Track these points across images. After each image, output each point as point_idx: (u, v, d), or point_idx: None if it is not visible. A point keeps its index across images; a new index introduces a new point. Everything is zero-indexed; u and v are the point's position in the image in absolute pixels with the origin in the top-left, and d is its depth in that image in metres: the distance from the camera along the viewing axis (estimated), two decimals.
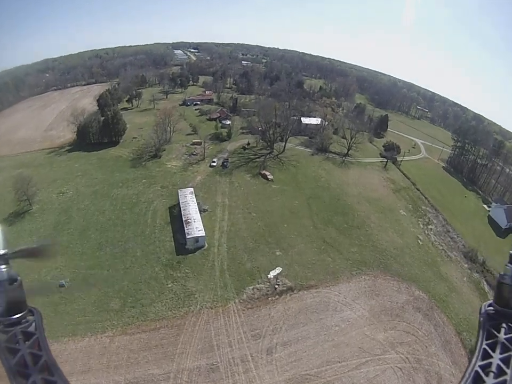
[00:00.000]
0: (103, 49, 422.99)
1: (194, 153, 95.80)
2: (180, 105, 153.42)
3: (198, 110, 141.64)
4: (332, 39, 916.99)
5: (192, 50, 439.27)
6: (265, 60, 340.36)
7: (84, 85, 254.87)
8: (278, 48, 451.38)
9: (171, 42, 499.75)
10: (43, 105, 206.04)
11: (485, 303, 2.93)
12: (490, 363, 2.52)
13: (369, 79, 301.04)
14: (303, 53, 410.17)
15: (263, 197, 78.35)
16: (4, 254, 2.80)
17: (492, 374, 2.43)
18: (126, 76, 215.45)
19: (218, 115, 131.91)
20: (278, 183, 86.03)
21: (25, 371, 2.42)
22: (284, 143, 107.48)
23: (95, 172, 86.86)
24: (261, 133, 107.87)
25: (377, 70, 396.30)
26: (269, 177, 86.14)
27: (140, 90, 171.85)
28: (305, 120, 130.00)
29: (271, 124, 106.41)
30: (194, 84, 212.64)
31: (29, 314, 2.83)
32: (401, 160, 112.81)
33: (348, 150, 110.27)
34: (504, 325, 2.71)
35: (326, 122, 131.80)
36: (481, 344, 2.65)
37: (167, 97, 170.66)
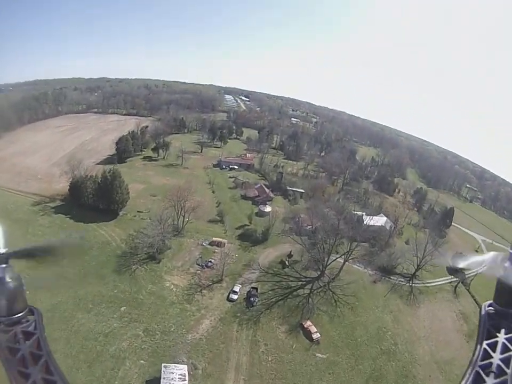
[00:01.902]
0: (156, 80, 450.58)
1: (209, 263, 70.69)
2: (214, 165, 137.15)
3: (233, 179, 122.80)
4: (383, 105, 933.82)
5: (243, 98, 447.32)
6: (315, 120, 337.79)
7: (124, 114, 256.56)
8: (327, 108, 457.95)
9: (224, 86, 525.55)
10: (71, 129, 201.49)
11: (485, 303, 3.27)
12: (491, 363, 2.75)
13: (419, 150, 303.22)
14: (353, 115, 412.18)
15: (301, 380, 52.33)
16: (4, 254, 3.10)
17: (492, 374, 2.66)
18: (167, 116, 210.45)
19: (256, 194, 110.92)
20: (327, 347, 58.30)
21: (26, 371, 2.62)
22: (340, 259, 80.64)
23: (67, 265, 65.31)
24: (309, 237, 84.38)
25: (425, 139, 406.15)
26: (313, 335, 58.91)
27: (175, 135, 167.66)
28: (367, 219, 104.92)
29: (326, 233, 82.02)
30: (238, 137, 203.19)
31: (29, 314, 3.13)
32: (471, 279, 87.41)
33: (417, 270, 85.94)
34: (504, 325, 2.99)
35: (394, 226, 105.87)
36: (482, 344, 2.92)
37: (201, 151, 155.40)
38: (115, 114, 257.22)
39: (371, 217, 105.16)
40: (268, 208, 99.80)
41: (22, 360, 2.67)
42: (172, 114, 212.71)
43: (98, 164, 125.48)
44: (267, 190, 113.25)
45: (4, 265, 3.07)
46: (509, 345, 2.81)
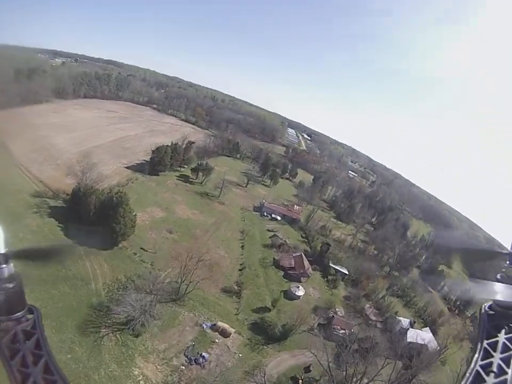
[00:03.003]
0: (224, 94, 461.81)
1: (202, 358, 52.90)
2: (255, 208, 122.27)
3: (272, 235, 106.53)
4: (445, 178, 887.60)
5: (305, 136, 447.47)
6: (372, 178, 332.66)
7: (181, 119, 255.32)
8: (385, 167, 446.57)
9: (289, 117, 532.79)
10: (120, 118, 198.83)
11: (485, 304, 3.38)
12: (491, 362, 2.92)
13: (469, 234, 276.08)
14: (409, 181, 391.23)
15: None
16: (4, 254, 3.16)
17: (492, 374, 2.81)
18: (223, 134, 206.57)
19: (292, 265, 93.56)
20: None
21: (26, 370, 2.77)
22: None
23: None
24: (338, 346, 66.42)
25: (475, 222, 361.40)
26: None
27: (224, 158, 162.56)
28: (412, 334, 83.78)
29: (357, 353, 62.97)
30: (290, 178, 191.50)
31: (28, 313, 3.25)
32: None
33: None
34: (504, 325, 3.15)
35: (439, 347, 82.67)
36: (482, 344, 3.09)
37: (246, 186, 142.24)
38: (173, 116, 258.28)
39: (416, 332, 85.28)
40: (300, 292, 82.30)
41: (22, 360, 2.77)
42: (229, 135, 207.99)
43: (127, 167, 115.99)
44: (306, 263, 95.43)
45: (4, 265, 3.09)
46: (509, 344, 2.97)
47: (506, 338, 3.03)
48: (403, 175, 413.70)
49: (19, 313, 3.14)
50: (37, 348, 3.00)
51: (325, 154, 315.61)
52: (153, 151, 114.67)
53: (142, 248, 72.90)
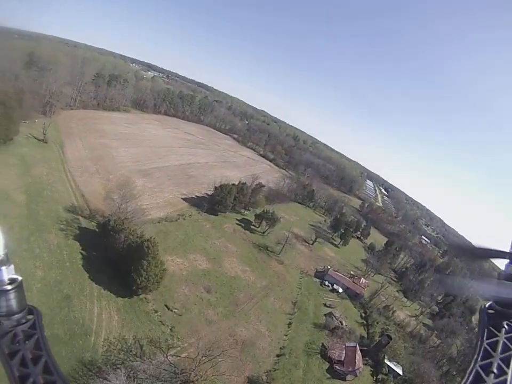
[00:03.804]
0: (307, 134, 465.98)
1: None
2: (316, 273, 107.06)
3: (328, 312, 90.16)
4: None
5: (382, 190, 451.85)
6: (445, 246, 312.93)
7: (259, 154, 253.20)
8: (458, 233, 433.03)
9: (368, 168, 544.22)
10: (195, 143, 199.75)
11: (485, 303, 3.47)
12: (491, 362, 3.02)
13: None
14: None
15: None
16: (4, 255, 3.24)
17: (492, 374, 2.92)
18: (299, 178, 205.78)
19: (342, 358, 75.81)
20: None
21: (25, 371, 2.86)
22: None
23: None
24: None
25: None
26: None
27: (296, 205, 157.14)
28: None
29: None
30: (361, 238, 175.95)
31: (28, 313, 3.31)
32: None
33: None
34: (504, 324, 3.25)
35: None
36: (482, 343, 3.18)
37: (313, 243, 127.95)
38: (251, 150, 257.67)
39: None
40: None
41: (22, 361, 2.86)
42: (305, 179, 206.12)
43: (184, 198, 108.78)
44: (358, 357, 76.95)
45: (4, 267, 3.21)
46: (509, 344, 3.05)
47: (506, 338, 3.10)
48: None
49: (19, 314, 3.18)
50: (36, 348, 3.03)
51: (400, 214, 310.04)
52: (216, 188, 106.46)
53: (166, 306, 61.56)
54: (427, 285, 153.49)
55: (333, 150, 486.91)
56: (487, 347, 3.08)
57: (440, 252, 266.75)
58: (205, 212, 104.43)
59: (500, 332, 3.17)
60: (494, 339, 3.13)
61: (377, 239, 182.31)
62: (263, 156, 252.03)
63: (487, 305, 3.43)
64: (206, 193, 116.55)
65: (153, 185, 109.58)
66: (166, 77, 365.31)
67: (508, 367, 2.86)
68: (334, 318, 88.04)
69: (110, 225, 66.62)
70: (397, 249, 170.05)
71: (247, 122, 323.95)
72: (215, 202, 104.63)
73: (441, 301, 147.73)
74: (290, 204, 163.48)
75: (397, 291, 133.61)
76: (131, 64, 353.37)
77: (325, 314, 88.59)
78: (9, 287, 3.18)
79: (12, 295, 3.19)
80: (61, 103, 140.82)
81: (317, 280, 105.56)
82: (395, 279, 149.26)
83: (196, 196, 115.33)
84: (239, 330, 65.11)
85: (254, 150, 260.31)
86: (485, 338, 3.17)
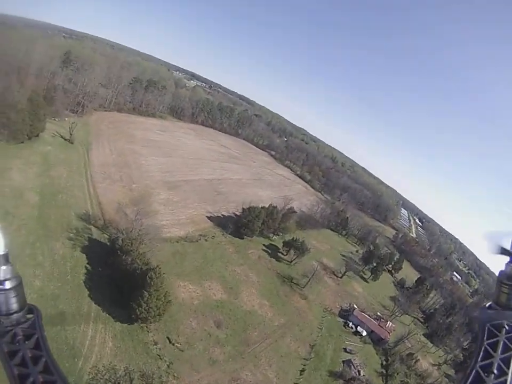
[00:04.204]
0: (345, 156, 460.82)
1: None
2: (341, 312, 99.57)
3: (347, 358, 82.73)
4: None
5: (417, 220, 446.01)
6: (475, 284, 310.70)
7: (296, 174, 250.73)
8: (489, 269, 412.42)
9: (403, 195, 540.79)
10: (229, 157, 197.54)
11: (485, 303, 3.59)
12: (491, 363, 3.10)
13: None
14: None
15: None
16: (3, 254, 3.30)
17: (492, 374, 3.01)
18: (333, 203, 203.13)
19: None
20: None
21: (25, 371, 2.91)
22: None
23: None
24: None
25: None
26: None
27: (328, 232, 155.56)
28: None
29: None
30: (393, 271, 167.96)
31: (28, 313, 3.37)
32: None
33: None
34: (504, 324, 3.33)
35: None
36: (482, 344, 3.26)
37: (341, 277, 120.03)
38: (288, 168, 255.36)
39: None
40: None
41: (22, 360, 2.90)
42: (340, 205, 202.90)
43: (209, 217, 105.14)
44: None
45: (3, 266, 3.27)
46: (509, 344, 3.12)
47: (506, 338, 3.16)
48: None
49: (18, 313, 3.24)
50: (36, 347, 3.09)
51: (433, 247, 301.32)
52: (243, 210, 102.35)
53: (168, 338, 56.81)
54: (455, 329, 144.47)
55: (370, 174, 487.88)
56: (487, 347, 3.11)
57: (470, 290, 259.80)
58: (229, 234, 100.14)
59: (500, 332, 3.19)
60: (494, 339, 3.15)
61: (409, 273, 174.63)
62: (300, 176, 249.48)
63: (487, 305, 3.48)
64: (234, 213, 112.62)
65: (178, 199, 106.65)
66: (209, 87, 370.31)
67: (508, 367, 2.92)
68: (352, 366, 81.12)
69: (118, 244, 63.27)
70: (428, 287, 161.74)
71: (285, 139, 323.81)
72: (241, 224, 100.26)
73: (466, 347, 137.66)
74: (322, 230, 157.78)
75: (423, 334, 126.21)
76: (175, 72, 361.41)
77: (343, 361, 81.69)
78: (8, 286, 3.20)
79: (11, 294, 3.20)
80: (94, 104, 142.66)
81: (341, 320, 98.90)
82: (422, 320, 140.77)
83: (223, 215, 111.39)
84: (244, 374, 59.38)
85: (290, 169, 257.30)
86: (485, 338, 3.20)
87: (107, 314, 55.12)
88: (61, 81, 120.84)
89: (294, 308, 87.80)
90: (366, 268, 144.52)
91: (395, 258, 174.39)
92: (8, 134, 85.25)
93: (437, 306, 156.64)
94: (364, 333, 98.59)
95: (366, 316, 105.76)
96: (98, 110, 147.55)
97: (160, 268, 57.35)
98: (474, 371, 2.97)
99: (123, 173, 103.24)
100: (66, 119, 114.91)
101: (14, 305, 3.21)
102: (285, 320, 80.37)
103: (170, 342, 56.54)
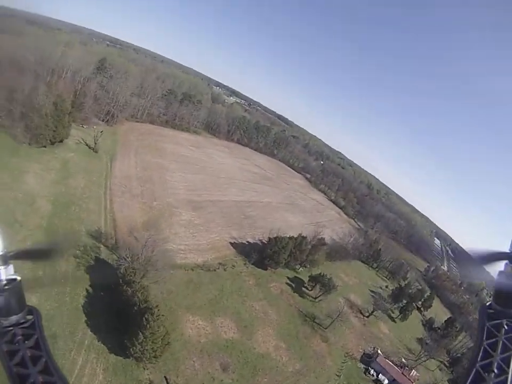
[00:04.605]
0: (382, 183, 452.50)
1: None
2: (363, 357, 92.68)
3: None
4: None
5: (449, 251, 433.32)
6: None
7: (330, 199, 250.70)
8: None
9: (436, 223, 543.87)
10: (261, 178, 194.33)
11: (484, 303, 3.75)
12: (491, 362, 3.22)
13: None
14: None
15: None
16: (3, 255, 3.49)
17: (492, 373, 3.13)
18: (367, 232, 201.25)
19: None
20: None
21: (25, 371, 2.98)
22: None
23: None
24: None
25: None
26: None
27: (359, 264, 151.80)
28: None
29: None
30: (422, 309, 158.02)
31: (28, 314, 3.56)
32: None
33: None
34: (504, 324, 3.44)
35: None
36: (482, 343, 3.37)
37: (368, 316, 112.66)
38: (322, 193, 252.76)
39: None
40: None
41: (21, 361, 3.00)
42: (373, 234, 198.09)
43: (232, 243, 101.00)
44: None
45: (3, 267, 3.40)
46: (509, 344, 3.27)
47: (506, 338, 3.25)
48: None
49: (18, 314, 3.35)
50: (36, 348, 3.17)
51: (464, 282, 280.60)
52: (269, 239, 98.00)
53: (166, 378, 52.10)
54: None
55: (405, 202, 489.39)
56: (487, 347, 3.22)
57: None
58: (252, 264, 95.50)
59: (499, 331, 3.31)
60: (494, 339, 3.27)
61: (438, 311, 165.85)
62: (334, 202, 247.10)
63: (486, 305, 3.59)
64: (260, 240, 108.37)
65: (201, 221, 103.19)
66: (247, 105, 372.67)
67: (508, 366, 3.05)
68: None
69: (120, 272, 59.91)
70: (457, 330, 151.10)
71: (321, 162, 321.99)
72: (266, 255, 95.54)
73: None
74: (353, 262, 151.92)
75: (447, 380, 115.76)
76: (214, 87, 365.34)
77: None
78: (7, 287, 3.33)
79: (11, 295, 3.32)
80: (126, 114, 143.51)
81: (362, 366, 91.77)
82: (447, 364, 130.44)
83: (248, 241, 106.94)
84: None
85: (325, 194, 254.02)
86: (484, 338, 3.30)
87: (102, 344, 51.84)
88: (93, 88, 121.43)
89: (313, 352, 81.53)
90: (395, 306, 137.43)
91: (425, 295, 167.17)
92: (31, 137, 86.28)
93: (464, 350, 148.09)
94: (386, 382, 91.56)
95: (389, 362, 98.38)
96: (130, 120, 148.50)
97: (159, 310, 52.66)
98: (474, 370, 3.05)
99: (145, 188, 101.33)
100: (94, 126, 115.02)
101: (13, 306, 3.28)
102: (300, 365, 74.20)
103: (167, 382, 52.10)
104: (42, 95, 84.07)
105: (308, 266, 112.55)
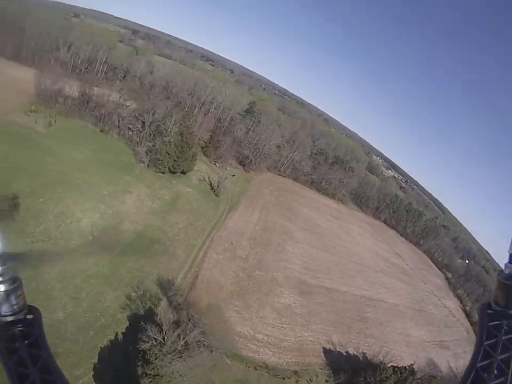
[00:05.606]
0: None
1: None
2: None
3: None
4: None
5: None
6: None
7: (463, 309, 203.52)
8: None
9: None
10: (400, 272, 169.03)
11: (484, 303, 3.64)
12: (491, 363, 3.18)
13: None
14: None
15: None
16: (1, 255, 3.35)
17: (492, 374, 3.09)
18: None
19: None
20: None
21: (25, 371, 2.97)
22: None
23: None
24: None
25: None
26: None
27: None
28: None
29: None
30: None
31: (28, 313, 3.41)
32: None
33: None
34: (504, 325, 3.37)
35: None
36: (482, 344, 3.32)
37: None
38: (458, 300, 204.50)
39: None
40: None
41: (21, 360, 2.94)
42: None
43: (326, 350, 79.01)
44: None
45: (2, 266, 3.29)
46: (509, 345, 3.20)
47: (506, 339, 3.23)
48: None
49: (18, 314, 3.28)
50: (36, 348, 3.13)
51: None
52: (368, 364, 75.29)
53: None
54: None
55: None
56: (487, 348, 3.19)
57: None
58: (337, 383, 73.66)
59: (499, 332, 3.27)
60: (494, 339, 3.23)
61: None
62: (467, 315, 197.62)
63: (486, 305, 3.54)
64: (363, 353, 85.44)
65: (303, 311, 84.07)
66: (404, 182, 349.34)
67: (508, 367, 3.02)
68: None
69: (142, 349, 45.33)
70: None
71: (467, 262, 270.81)
72: (357, 381, 73.46)
73: None
74: None
75: None
76: (374, 156, 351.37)
77: None
78: (8, 287, 3.25)
79: (10, 294, 3.25)
80: (268, 163, 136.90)
81: None
82: None
83: (346, 352, 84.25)
84: None
85: (460, 302, 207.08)
86: (484, 338, 3.27)
87: None
88: (237, 128, 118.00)
89: None
90: None
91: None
92: (150, 159, 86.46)
93: None
94: None
95: None
96: (271, 171, 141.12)
97: None
98: (474, 371, 3.03)
99: (254, 252, 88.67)
100: (228, 168, 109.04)
101: (14, 306, 3.22)
102: None
103: None
104: (172, 122, 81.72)
105: None
